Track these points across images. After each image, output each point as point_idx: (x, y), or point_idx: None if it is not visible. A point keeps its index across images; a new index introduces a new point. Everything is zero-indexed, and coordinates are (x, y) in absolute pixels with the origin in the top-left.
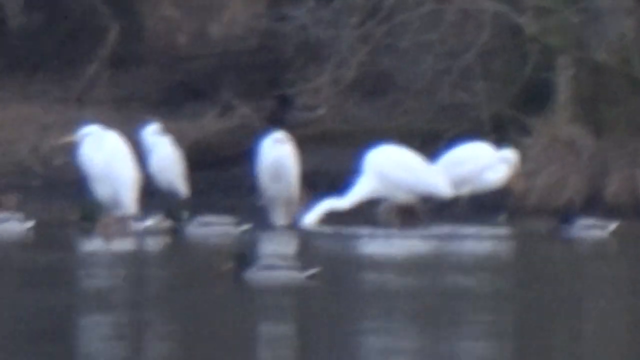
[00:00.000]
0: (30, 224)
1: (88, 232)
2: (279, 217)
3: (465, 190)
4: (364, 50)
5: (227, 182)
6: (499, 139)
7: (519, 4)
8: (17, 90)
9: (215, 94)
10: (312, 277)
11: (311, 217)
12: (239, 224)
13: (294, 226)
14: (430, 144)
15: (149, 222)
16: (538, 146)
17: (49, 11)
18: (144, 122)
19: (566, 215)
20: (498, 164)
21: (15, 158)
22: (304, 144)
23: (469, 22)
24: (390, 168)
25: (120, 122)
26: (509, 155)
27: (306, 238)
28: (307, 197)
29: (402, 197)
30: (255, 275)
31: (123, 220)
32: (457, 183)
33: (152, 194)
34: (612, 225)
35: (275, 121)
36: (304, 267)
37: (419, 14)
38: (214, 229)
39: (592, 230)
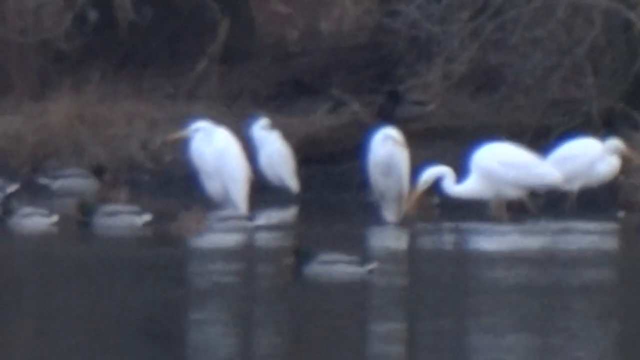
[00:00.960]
0: (147, 217)
1: (87, 227)
2: (389, 213)
3: (577, 184)
4: (474, 45)
5: (337, 178)
6: (609, 134)
7: None
8: (128, 86)
9: (326, 90)
10: (371, 271)
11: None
12: (140, 213)
13: (403, 222)
14: (541, 140)
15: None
16: None
17: (159, 7)
18: (253, 118)
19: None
20: (607, 156)
21: (125, 153)
22: (413, 139)
23: (579, 17)
24: (497, 167)
25: (230, 117)
26: (616, 145)
27: (415, 234)
28: (421, 196)
29: (511, 193)
30: (315, 269)
31: (201, 215)
32: (568, 178)
33: (262, 190)
34: None
35: (386, 117)
36: (364, 262)
37: (529, 9)
38: (120, 218)
39: None
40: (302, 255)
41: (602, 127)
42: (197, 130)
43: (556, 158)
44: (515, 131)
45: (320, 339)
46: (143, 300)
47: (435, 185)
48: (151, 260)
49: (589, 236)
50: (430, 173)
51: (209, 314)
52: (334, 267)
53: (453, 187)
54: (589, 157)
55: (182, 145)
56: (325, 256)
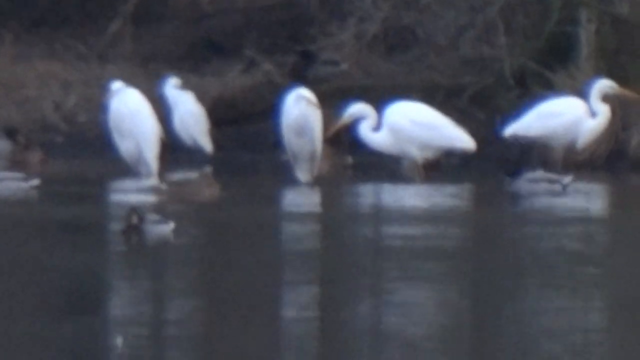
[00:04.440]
0: (35, 182)
1: None
2: (303, 173)
3: (560, 143)
4: (387, 5)
5: (250, 138)
6: (522, 92)
7: None
8: (40, 47)
9: (239, 50)
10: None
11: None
12: (27, 178)
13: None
14: (453, 98)
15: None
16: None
17: None
18: (164, 78)
19: (512, 167)
20: (590, 118)
21: (38, 115)
22: (327, 99)
23: None
24: (405, 124)
25: (143, 79)
26: (609, 85)
27: (328, 194)
28: (333, 155)
29: (421, 153)
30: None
31: (211, 179)
32: (551, 136)
33: (176, 150)
34: (566, 178)
35: (298, 77)
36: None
37: None
38: (4, 184)
39: (542, 184)
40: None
41: (515, 86)
42: (110, 91)
43: (539, 113)
44: (429, 90)
45: (229, 297)
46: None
47: (352, 128)
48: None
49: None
50: (356, 108)
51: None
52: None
53: (367, 133)
54: (573, 115)
55: (97, 106)
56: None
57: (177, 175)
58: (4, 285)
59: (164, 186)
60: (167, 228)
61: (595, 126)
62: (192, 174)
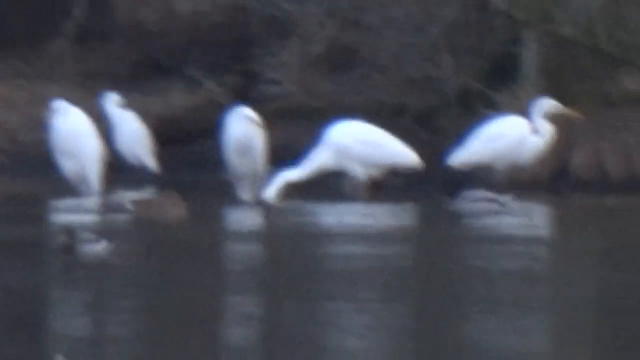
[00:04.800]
0: None
1: None
2: (246, 192)
3: (504, 164)
4: (331, 24)
5: (194, 158)
6: (466, 112)
7: None
8: None
9: (182, 70)
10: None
11: (270, 191)
12: None
13: (259, 201)
14: (397, 118)
15: None
16: None
17: None
18: (103, 95)
19: (453, 187)
20: (534, 137)
21: None
22: (270, 119)
23: None
24: (349, 142)
25: (86, 98)
26: (553, 104)
27: (270, 213)
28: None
29: (365, 171)
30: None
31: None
32: (495, 157)
33: (121, 170)
34: (505, 197)
35: (242, 96)
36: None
37: None
38: None
39: (482, 203)
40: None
41: (459, 106)
42: (53, 110)
43: (483, 138)
44: (372, 109)
45: (175, 317)
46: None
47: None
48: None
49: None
50: (282, 179)
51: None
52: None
53: (295, 172)
54: (517, 135)
55: (40, 125)
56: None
57: (135, 195)
58: None
59: (129, 205)
60: (100, 247)
61: (539, 145)
62: (154, 194)
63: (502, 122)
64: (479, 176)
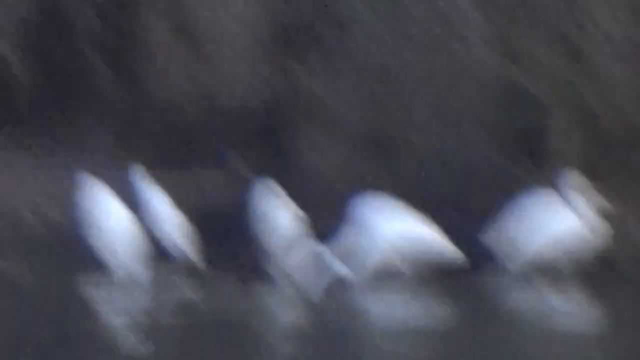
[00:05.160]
0: None
1: None
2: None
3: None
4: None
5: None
6: None
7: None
8: (17, 147)
9: (217, 152)
10: None
11: None
12: None
13: None
14: None
15: None
16: None
17: (50, 70)
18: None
19: None
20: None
21: (14, 214)
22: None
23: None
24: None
25: (119, 178)
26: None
27: None
28: None
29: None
30: None
31: None
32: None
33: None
34: None
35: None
36: None
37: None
38: None
39: None
40: None
41: None
42: (88, 190)
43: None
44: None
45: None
46: None
47: None
48: None
49: None
50: None
51: None
52: None
53: None
54: None
55: (74, 205)
56: None
57: None
58: None
59: None
60: None
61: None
62: None
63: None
64: None
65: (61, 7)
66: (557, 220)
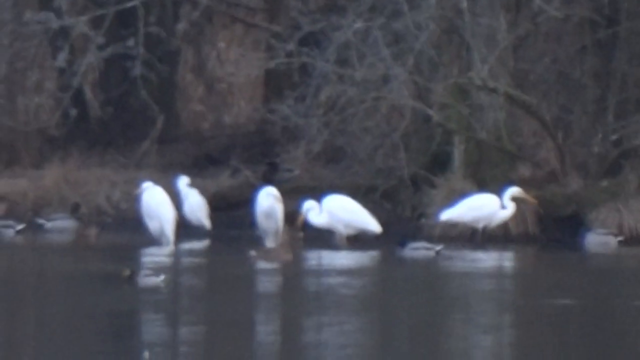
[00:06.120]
0: (19, 226)
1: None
2: (269, 243)
3: (481, 225)
4: (326, 131)
5: (236, 220)
6: (416, 190)
7: (428, 100)
8: (96, 159)
9: (227, 161)
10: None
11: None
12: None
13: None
14: (370, 194)
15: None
16: (441, 196)
17: (117, 106)
18: (177, 176)
19: (402, 239)
20: (504, 205)
21: (95, 204)
22: (286, 194)
23: (395, 112)
24: (338, 210)
25: (165, 180)
26: (517, 190)
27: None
28: (290, 231)
29: (345, 230)
30: (143, 280)
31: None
32: (476, 220)
33: (186, 227)
34: (438, 247)
35: (267, 179)
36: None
37: (363, 107)
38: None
39: (421, 250)
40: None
41: (411, 186)
42: (143, 188)
43: (468, 205)
44: (353, 188)
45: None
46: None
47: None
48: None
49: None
50: (307, 203)
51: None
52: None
53: (313, 217)
54: (491, 208)
55: (134, 198)
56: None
57: (200, 244)
58: (63, 326)
59: (253, 252)
60: (158, 279)
61: (504, 216)
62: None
63: (481, 197)
64: (420, 230)
65: (122, 59)
66: (493, 213)
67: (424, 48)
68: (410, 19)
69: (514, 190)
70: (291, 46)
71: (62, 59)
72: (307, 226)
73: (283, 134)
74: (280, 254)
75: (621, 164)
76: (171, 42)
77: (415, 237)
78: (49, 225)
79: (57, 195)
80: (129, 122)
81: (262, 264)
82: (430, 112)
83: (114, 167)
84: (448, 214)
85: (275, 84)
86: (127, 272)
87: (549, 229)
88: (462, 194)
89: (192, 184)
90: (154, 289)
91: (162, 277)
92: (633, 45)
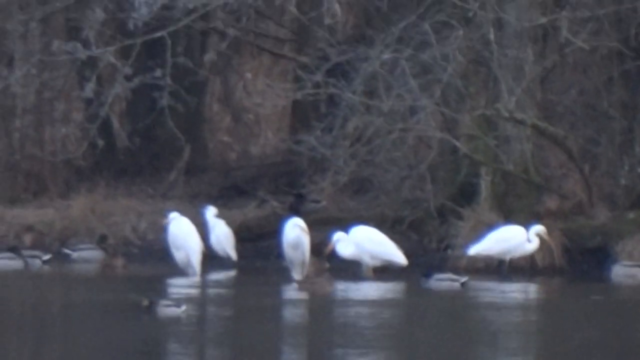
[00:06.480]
0: (46, 257)
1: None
2: (296, 274)
3: (508, 256)
4: (353, 163)
5: (263, 251)
6: (442, 221)
7: (455, 132)
8: (123, 189)
9: (255, 192)
10: (184, 312)
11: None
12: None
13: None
14: (396, 226)
15: None
16: (468, 227)
17: (144, 137)
18: (204, 207)
19: (427, 271)
20: (530, 237)
21: (122, 234)
22: (313, 225)
23: (422, 143)
24: (364, 242)
25: (192, 210)
26: (540, 229)
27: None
28: (317, 262)
29: (372, 261)
30: (161, 310)
31: (329, 279)
32: (503, 252)
33: (212, 258)
34: (463, 279)
35: (294, 211)
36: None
37: (390, 139)
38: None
39: (446, 282)
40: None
41: (437, 218)
42: (170, 219)
43: (495, 237)
44: (380, 220)
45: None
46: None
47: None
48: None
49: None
50: (337, 235)
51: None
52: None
53: (341, 248)
54: (518, 240)
55: (160, 228)
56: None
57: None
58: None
59: (296, 284)
60: (179, 310)
61: (530, 248)
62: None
63: (508, 229)
64: (445, 262)
65: (149, 90)
66: (519, 245)
67: (451, 79)
68: (438, 50)
69: (538, 229)
70: (318, 77)
71: (89, 89)
72: (333, 257)
73: (310, 165)
74: (324, 285)
75: None
76: (198, 73)
77: (441, 269)
78: (75, 255)
79: (83, 225)
80: (156, 153)
81: (290, 295)
82: (457, 143)
83: (140, 197)
84: (476, 249)
85: (302, 114)
86: (145, 302)
87: (575, 261)
88: (489, 226)
89: (219, 215)
90: (174, 320)
91: (183, 307)
92: None
